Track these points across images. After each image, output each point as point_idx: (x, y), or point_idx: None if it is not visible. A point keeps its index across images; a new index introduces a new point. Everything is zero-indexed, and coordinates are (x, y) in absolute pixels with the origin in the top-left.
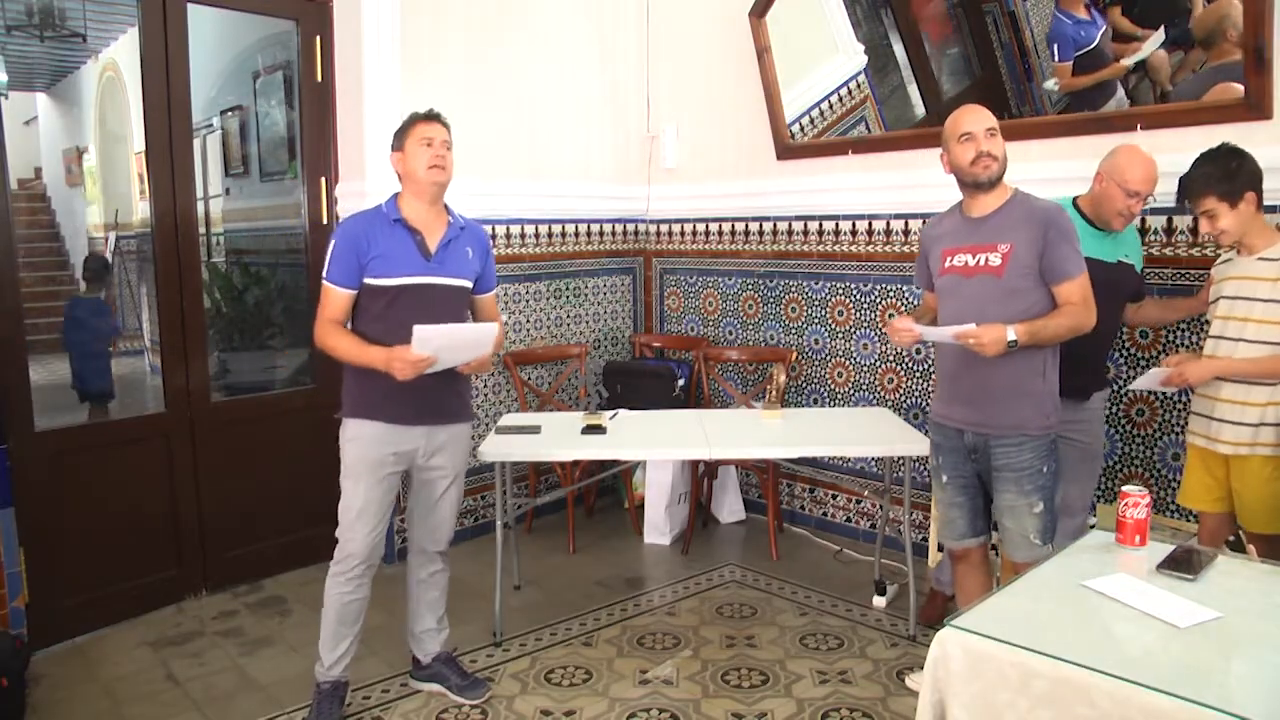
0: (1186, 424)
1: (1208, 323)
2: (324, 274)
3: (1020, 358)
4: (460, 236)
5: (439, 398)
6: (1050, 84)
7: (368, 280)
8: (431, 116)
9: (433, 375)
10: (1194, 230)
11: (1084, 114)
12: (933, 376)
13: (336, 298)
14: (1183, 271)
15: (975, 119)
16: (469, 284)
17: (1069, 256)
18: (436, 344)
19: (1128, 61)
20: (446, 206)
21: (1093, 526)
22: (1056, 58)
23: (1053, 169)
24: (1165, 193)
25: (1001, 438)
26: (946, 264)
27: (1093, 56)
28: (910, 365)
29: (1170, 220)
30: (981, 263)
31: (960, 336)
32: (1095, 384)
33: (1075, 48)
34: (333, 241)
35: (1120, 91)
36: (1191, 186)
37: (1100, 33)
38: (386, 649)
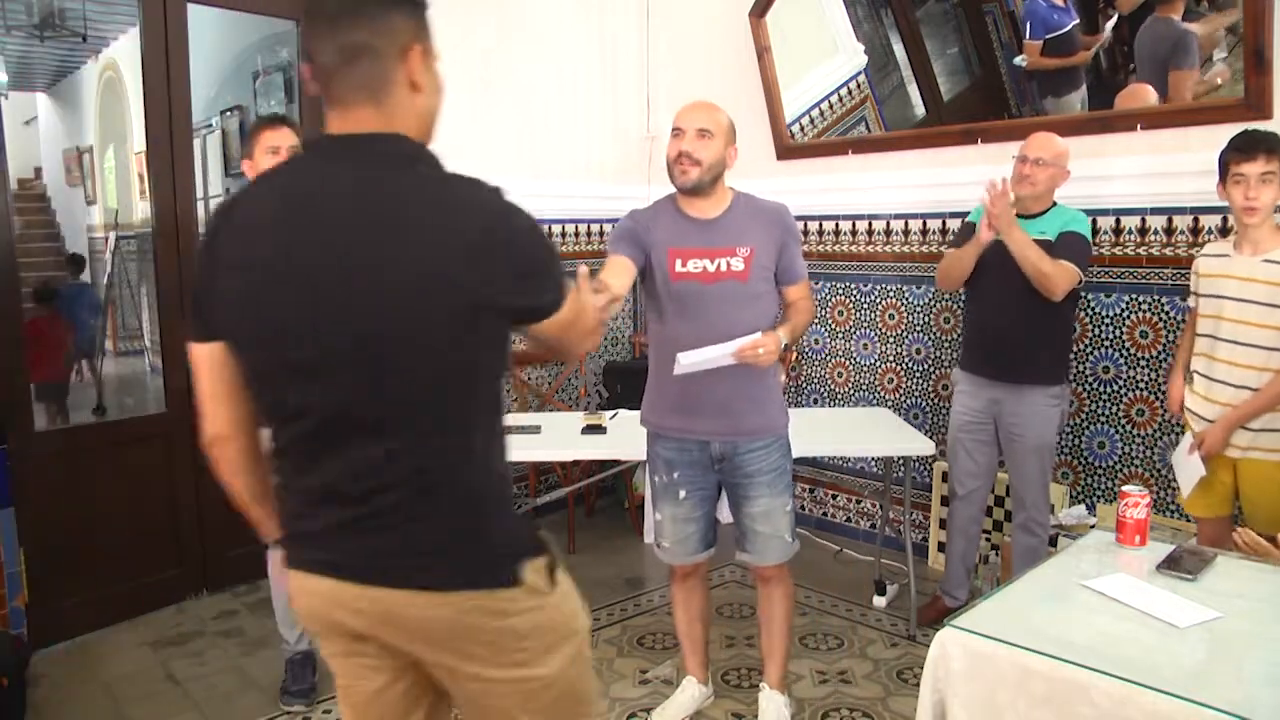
0: (1184, 429)
1: (1186, 319)
2: None
3: None
4: None
5: None
6: (1019, 60)
7: None
8: (278, 121)
9: None
10: (1194, 230)
11: (1084, 114)
12: (934, 376)
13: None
14: (1182, 271)
15: (690, 116)
16: None
17: (798, 257)
18: None
19: (1090, 52)
20: None
21: (1092, 527)
22: (1028, 35)
23: None
24: (1166, 193)
25: (753, 441)
26: (678, 269)
27: (1062, 42)
28: (910, 365)
29: (1170, 220)
30: (723, 268)
31: (744, 352)
32: (1028, 374)
33: (1046, 30)
34: None
35: (1084, 88)
36: (1268, 142)
37: (1072, 22)
38: None
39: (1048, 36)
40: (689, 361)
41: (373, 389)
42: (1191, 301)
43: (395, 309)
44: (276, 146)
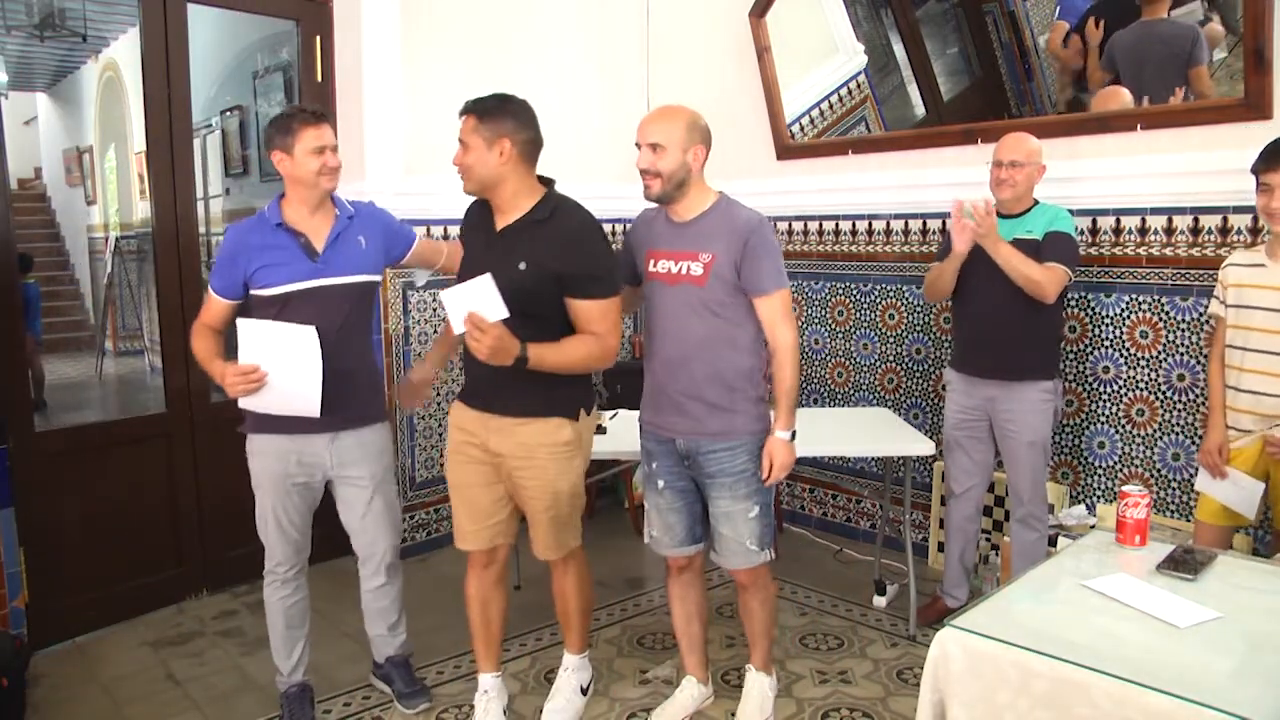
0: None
1: (1211, 324)
2: (208, 277)
3: (735, 363)
4: (350, 227)
5: (339, 399)
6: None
7: (255, 291)
8: (321, 118)
9: (331, 373)
10: (1194, 230)
11: (1084, 114)
12: (934, 376)
13: (213, 304)
14: (1182, 271)
15: (643, 130)
16: (369, 278)
17: (766, 272)
18: (261, 343)
19: None
20: (334, 198)
21: (1092, 527)
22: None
23: (1053, 169)
24: (1166, 192)
25: (714, 443)
26: (650, 268)
27: None
28: (910, 365)
29: (1170, 220)
30: (684, 271)
31: (468, 321)
32: (1020, 371)
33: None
34: (219, 247)
35: None
36: None
37: None
38: None
39: None
40: (445, 298)
41: None
42: (1218, 310)
43: None
44: (322, 147)
